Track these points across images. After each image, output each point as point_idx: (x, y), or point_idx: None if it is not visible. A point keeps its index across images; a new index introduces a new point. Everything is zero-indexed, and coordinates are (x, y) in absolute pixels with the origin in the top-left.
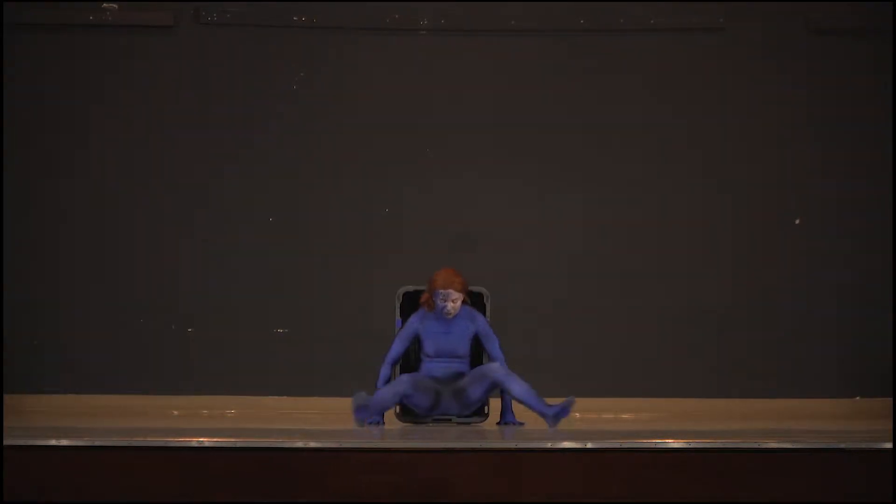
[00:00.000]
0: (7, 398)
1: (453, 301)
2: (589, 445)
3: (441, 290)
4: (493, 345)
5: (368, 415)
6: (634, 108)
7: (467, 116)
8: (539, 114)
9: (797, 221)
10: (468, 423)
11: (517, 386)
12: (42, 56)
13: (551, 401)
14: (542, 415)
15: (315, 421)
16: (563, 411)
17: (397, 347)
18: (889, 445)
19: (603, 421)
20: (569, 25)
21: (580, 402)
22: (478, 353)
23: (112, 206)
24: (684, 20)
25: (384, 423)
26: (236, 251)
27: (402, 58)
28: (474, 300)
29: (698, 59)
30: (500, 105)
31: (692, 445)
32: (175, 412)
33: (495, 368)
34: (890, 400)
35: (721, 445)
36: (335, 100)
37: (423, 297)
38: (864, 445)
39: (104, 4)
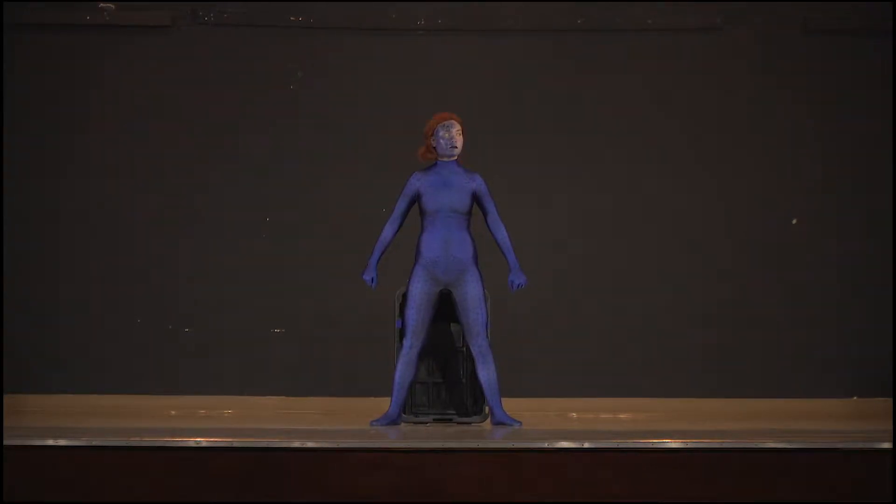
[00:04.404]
0: (6, 398)
1: (457, 133)
2: (587, 445)
3: (445, 122)
4: (492, 205)
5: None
6: (633, 107)
7: (464, 116)
8: (537, 113)
9: (794, 221)
10: (468, 423)
11: (484, 372)
12: (38, 55)
13: (541, 403)
14: (491, 410)
15: (313, 421)
16: (506, 424)
17: (400, 206)
18: (887, 445)
19: (601, 421)
20: (566, 25)
21: (579, 402)
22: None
23: (110, 206)
24: (682, 20)
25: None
26: (233, 251)
27: (400, 57)
28: None
29: (696, 59)
30: (497, 105)
31: (690, 445)
32: (173, 412)
33: (478, 343)
34: (886, 400)
35: (719, 445)
36: (332, 99)
37: (421, 150)
38: (862, 445)
39: (101, 4)
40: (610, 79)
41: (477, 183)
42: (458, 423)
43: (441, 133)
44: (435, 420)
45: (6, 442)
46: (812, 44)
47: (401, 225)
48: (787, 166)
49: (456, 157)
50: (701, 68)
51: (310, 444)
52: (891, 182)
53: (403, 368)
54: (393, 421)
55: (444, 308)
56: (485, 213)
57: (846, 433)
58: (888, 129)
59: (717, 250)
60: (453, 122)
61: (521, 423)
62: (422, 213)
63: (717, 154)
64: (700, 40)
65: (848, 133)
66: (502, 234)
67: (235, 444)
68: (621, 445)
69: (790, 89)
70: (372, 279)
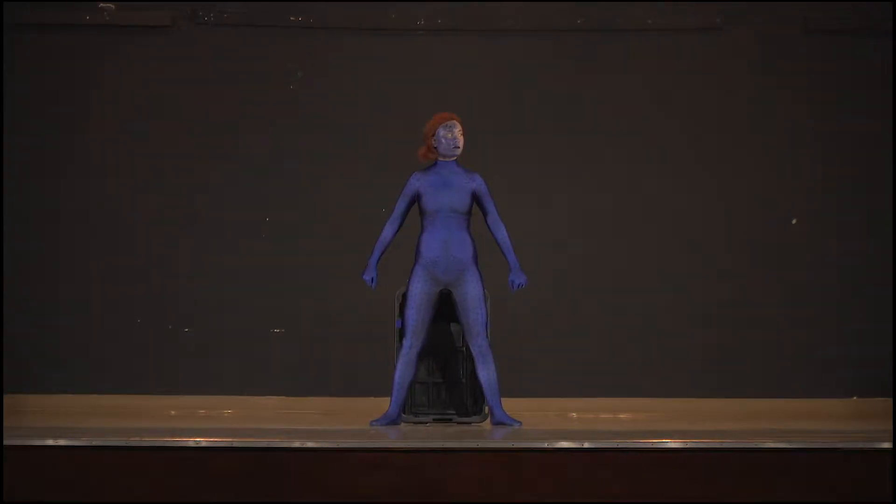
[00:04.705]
0: (6, 398)
1: (459, 133)
2: (586, 445)
3: (447, 122)
4: (492, 205)
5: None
6: (633, 107)
7: (463, 116)
8: (537, 113)
9: (794, 221)
10: (468, 423)
11: (484, 372)
12: (38, 55)
13: (541, 403)
14: (491, 410)
15: (312, 421)
16: (506, 424)
17: (400, 206)
18: (887, 445)
19: (601, 421)
20: (566, 25)
21: (579, 402)
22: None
23: (110, 206)
24: (681, 20)
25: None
26: (233, 251)
27: (399, 57)
28: None
29: (696, 59)
30: (496, 104)
31: (690, 445)
32: (172, 412)
33: (478, 343)
34: (885, 400)
35: (719, 445)
36: (332, 99)
37: (422, 151)
38: (862, 445)
39: (101, 4)
40: (610, 79)
41: (477, 183)
42: (458, 423)
43: (443, 133)
44: (435, 420)
45: (6, 442)
46: (812, 44)
47: (401, 225)
48: (787, 166)
49: (456, 157)
50: (701, 68)
51: (310, 444)
52: (891, 182)
53: (403, 368)
54: (393, 421)
55: (444, 308)
56: (485, 213)
57: (846, 433)
58: (888, 129)
59: (717, 250)
60: (455, 122)
61: (520, 422)
62: (421, 213)
63: (717, 154)
64: (700, 40)
65: (848, 133)
66: (502, 233)
67: (235, 445)
68: (621, 445)
69: (790, 89)
70: (372, 279)
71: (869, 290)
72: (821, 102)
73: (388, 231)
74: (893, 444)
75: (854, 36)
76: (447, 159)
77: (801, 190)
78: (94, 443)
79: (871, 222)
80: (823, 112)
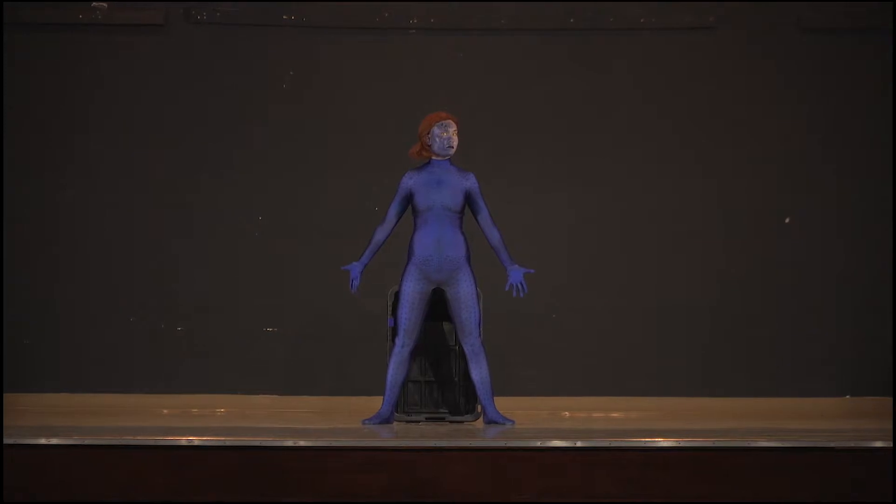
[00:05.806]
0: None
1: (454, 132)
2: (579, 444)
3: (442, 121)
4: (484, 205)
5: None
6: (626, 107)
7: (457, 115)
8: (530, 113)
9: (787, 220)
10: (460, 422)
11: (476, 371)
12: (31, 55)
13: (534, 402)
14: (483, 409)
15: (306, 419)
16: (499, 422)
17: (393, 206)
18: (881, 444)
19: (593, 420)
20: (559, 25)
21: (573, 401)
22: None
23: (104, 206)
24: (675, 19)
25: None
26: (227, 250)
27: (393, 56)
28: None
29: (690, 58)
30: (490, 104)
31: (683, 444)
32: (165, 411)
33: (471, 342)
34: (878, 398)
35: (712, 444)
36: (326, 98)
37: (416, 148)
38: (856, 444)
39: (94, 3)
40: (602, 78)
41: (470, 182)
42: (451, 421)
43: (438, 132)
44: (427, 419)
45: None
46: (807, 42)
47: (395, 225)
48: (784, 165)
49: (449, 157)
50: (696, 67)
51: (302, 443)
52: (889, 181)
53: (396, 367)
54: (385, 420)
55: (437, 307)
56: (476, 213)
57: (839, 432)
58: (888, 129)
59: (711, 249)
60: (451, 121)
61: (513, 421)
62: (414, 211)
63: (713, 153)
64: (693, 39)
65: (845, 132)
66: (495, 234)
67: (229, 443)
68: (614, 444)
69: (785, 88)
70: (355, 278)
71: (862, 289)
72: (817, 101)
73: (380, 232)
74: (894, 444)
75: (851, 34)
76: (441, 158)
77: (797, 189)
78: (87, 442)
79: (867, 221)
80: (820, 111)
